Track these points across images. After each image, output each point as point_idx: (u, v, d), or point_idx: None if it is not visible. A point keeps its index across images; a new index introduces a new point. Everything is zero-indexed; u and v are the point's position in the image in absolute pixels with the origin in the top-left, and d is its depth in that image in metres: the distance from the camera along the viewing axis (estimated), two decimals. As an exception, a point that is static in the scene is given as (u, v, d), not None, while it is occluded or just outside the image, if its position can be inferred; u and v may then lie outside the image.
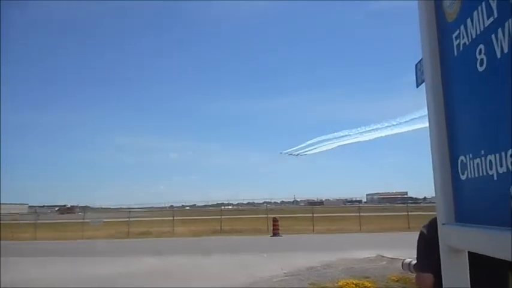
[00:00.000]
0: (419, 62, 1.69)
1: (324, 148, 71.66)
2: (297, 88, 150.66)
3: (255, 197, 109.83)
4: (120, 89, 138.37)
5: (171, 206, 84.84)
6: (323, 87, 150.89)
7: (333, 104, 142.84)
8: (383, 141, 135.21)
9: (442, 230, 1.16)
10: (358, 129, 70.74)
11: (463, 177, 1.08)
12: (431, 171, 1.20)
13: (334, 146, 71.67)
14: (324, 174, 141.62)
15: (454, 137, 1.14)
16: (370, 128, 68.55)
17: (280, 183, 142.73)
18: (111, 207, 66.79)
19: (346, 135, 69.99)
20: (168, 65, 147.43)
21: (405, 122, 59.39)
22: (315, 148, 70.85)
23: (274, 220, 23.12)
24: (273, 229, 22.42)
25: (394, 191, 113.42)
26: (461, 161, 1.09)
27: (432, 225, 1.87)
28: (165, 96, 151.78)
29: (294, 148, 74.23)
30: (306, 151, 72.20)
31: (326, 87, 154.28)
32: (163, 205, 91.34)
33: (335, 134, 71.40)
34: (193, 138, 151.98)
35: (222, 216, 29.78)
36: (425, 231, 2.03)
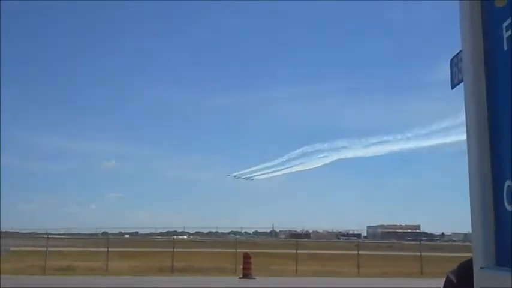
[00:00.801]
0: (456, 56, 1.71)
1: (289, 170, 75.23)
2: (283, 79, 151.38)
3: (219, 224, 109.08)
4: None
5: (105, 233, 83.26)
6: (315, 81, 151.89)
7: (329, 103, 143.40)
8: (392, 158, 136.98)
9: (479, 276, 1.16)
10: (361, 140, 72.17)
11: (510, 208, 1.09)
12: (464, 200, 1.21)
13: (313, 165, 75.21)
14: (312, 198, 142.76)
15: (499, 156, 1.13)
16: (377, 140, 70.20)
17: (253, 208, 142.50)
18: (22, 231, 65.06)
19: (341, 148, 71.29)
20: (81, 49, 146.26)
21: (425, 134, 61.09)
22: (279, 170, 74.64)
23: (246, 256, 23.07)
24: (243, 268, 22.37)
25: (403, 224, 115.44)
26: (508, 187, 1.09)
27: (463, 270, 1.88)
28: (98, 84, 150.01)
29: (247, 170, 77.47)
30: (260, 174, 75.80)
31: (320, 80, 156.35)
32: (93, 231, 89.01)
33: (325, 145, 72.72)
34: (137, 141, 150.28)
35: (175, 249, 29.52)
36: (453, 279, 2.03)
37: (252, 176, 76.98)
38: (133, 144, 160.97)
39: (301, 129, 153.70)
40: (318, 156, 72.58)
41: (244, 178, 77.74)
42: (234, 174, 79.66)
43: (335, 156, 74.52)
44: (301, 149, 74.99)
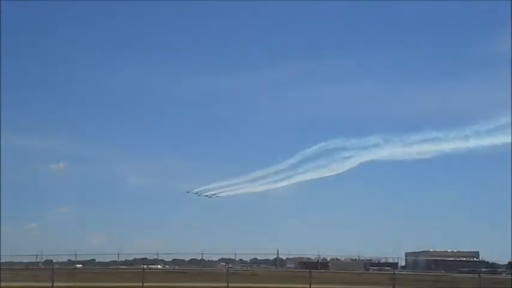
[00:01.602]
0: None
1: (296, 179, 73.62)
2: (290, 54, 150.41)
3: (205, 249, 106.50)
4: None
5: (48, 262, 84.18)
6: (335, 56, 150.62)
7: (355, 85, 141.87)
8: (442, 161, 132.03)
9: None
10: (401, 136, 69.96)
11: None
12: None
13: (334, 170, 71.99)
14: (331, 214, 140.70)
15: None
16: (422, 138, 66.69)
17: (251, 227, 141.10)
18: None
19: (373, 146, 69.95)
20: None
21: (488, 130, 59.26)
22: (281, 180, 72.99)
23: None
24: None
25: (456, 250, 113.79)
26: None
27: None
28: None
29: (209, 186, 76.83)
30: (227, 191, 75.19)
31: (341, 55, 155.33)
32: (33, 259, 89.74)
33: (351, 141, 70.91)
34: (93, 139, 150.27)
35: (145, 284, 29.20)
36: None
37: (218, 193, 76.34)
38: (88, 143, 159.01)
39: (318, 120, 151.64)
40: (341, 157, 70.71)
41: (207, 196, 76.80)
42: (195, 191, 78.31)
43: (364, 157, 71.33)
44: (317, 146, 73.62)
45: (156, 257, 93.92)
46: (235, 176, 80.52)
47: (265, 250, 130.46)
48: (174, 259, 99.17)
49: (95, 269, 79.49)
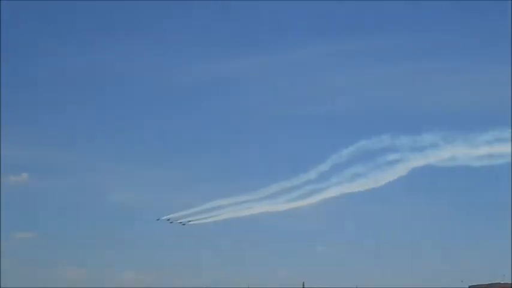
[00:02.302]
0: None
1: (317, 198, 63.62)
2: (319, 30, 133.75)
3: (215, 280, 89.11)
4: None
5: None
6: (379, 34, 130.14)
7: (404, 69, 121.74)
8: None
9: None
10: (466, 135, 58.51)
11: None
12: None
13: (379, 180, 60.97)
14: (371, 235, 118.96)
15: None
16: (492, 137, 56.97)
17: (269, 255, 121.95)
18: None
19: (429, 147, 56.77)
20: None
21: None
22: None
23: None
24: None
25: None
26: None
27: None
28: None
29: (187, 212, 72.17)
30: (205, 217, 71.21)
31: (387, 32, 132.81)
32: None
33: (400, 140, 58.86)
34: (66, 144, 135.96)
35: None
36: None
37: (194, 220, 72.43)
38: (59, 149, 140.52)
39: (355, 111, 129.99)
40: (386, 161, 59.84)
41: (181, 223, 73.29)
42: (167, 217, 74.53)
43: (416, 161, 59.69)
44: (355, 146, 63.45)
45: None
46: (244, 191, 69.94)
47: (286, 282, 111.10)
48: None
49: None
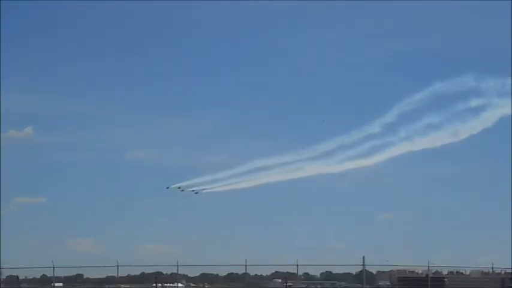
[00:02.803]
0: None
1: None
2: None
3: (248, 257, 78.13)
4: None
5: (11, 278, 65.91)
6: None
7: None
8: None
9: None
10: None
11: None
12: None
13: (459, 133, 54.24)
14: (442, 207, 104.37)
15: None
16: None
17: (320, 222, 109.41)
18: None
19: None
20: None
21: None
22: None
23: None
24: None
25: None
26: None
27: None
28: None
29: (192, 181, 67.60)
30: (216, 186, 66.19)
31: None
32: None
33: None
34: (76, 90, 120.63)
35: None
36: None
37: (201, 189, 67.05)
38: (68, 98, 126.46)
39: (429, 49, 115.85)
40: (467, 107, 52.48)
41: (193, 191, 67.89)
42: (177, 185, 68.69)
43: (506, 109, 52.26)
44: (428, 89, 54.44)
45: (175, 271, 69.07)
46: (290, 149, 62.61)
47: (344, 260, 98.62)
48: (202, 273, 78.26)
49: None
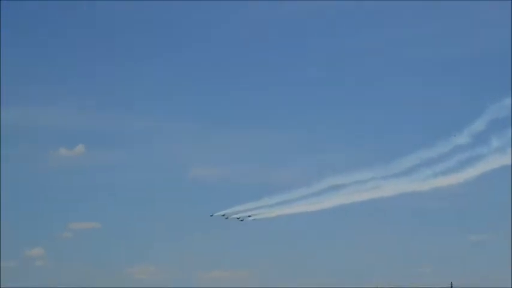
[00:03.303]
0: None
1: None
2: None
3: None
4: None
5: None
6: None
7: None
8: None
9: None
10: None
11: None
12: None
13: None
14: None
15: None
16: None
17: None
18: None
19: None
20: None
21: None
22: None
23: None
24: None
25: None
26: None
27: None
28: None
29: (238, 208, 65.94)
30: (263, 213, 64.18)
31: None
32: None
33: None
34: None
35: None
36: None
37: (246, 216, 65.89)
38: (122, 113, 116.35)
39: None
40: None
41: (239, 219, 67.00)
42: (222, 213, 67.68)
43: None
44: None
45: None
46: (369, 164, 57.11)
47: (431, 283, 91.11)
48: None
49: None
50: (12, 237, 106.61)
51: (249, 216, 65.95)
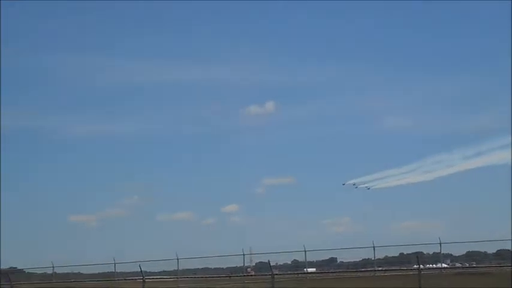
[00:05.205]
0: None
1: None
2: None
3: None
4: None
5: None
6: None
7: None
8: None
9: None
10: None
11: None
12: None
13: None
14: None
15: None
16: None
17: None
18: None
19: None
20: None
21: None
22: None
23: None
24: None
25: None
26: None
27: None
28: None
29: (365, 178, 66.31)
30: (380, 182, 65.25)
31: None
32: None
33: None
34: None
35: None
36: None
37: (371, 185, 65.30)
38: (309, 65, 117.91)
39: None
40: None
41: (366, 187, 65.68)
42: (352, 182, 66.55)
43: None
44: None
45: (437, 250, 52.55)
46: None
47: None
48: (468, 252, 62.36)
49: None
50: (210, 196, 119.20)
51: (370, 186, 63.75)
